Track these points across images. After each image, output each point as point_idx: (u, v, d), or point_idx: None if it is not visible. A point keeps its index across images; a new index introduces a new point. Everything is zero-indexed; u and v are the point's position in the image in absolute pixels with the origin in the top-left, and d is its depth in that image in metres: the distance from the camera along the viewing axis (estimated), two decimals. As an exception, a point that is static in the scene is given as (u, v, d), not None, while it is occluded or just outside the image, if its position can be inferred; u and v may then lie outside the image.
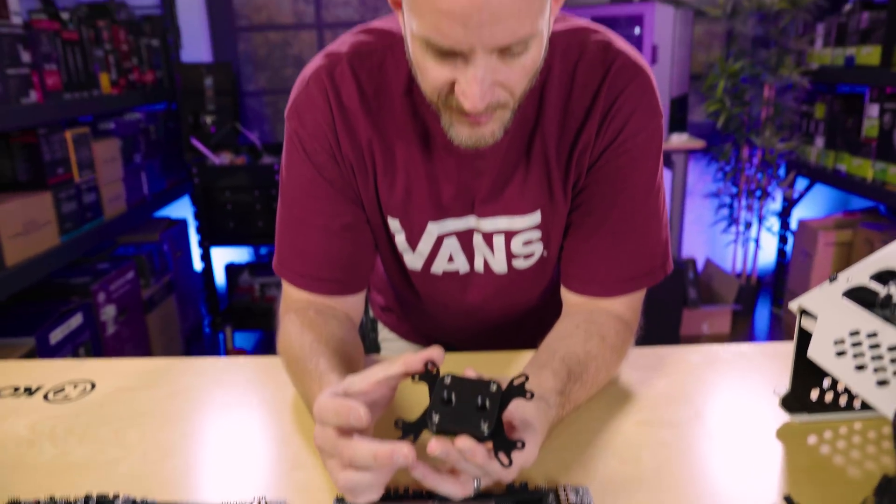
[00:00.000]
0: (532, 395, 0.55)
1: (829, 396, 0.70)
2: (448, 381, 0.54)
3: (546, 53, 0.68)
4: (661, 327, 2.65)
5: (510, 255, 0.86)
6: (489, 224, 0.83)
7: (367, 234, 0.85)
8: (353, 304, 0.86)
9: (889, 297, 0.57)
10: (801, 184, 3.06)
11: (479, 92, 0.62)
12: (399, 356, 0.58)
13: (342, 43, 0.80)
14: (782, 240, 3.14)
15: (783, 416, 0.71)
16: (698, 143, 2.64)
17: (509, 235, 0.84)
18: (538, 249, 0.86)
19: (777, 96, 2.82)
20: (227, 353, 2.72)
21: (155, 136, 2.59)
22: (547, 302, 0.95)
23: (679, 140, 2.64)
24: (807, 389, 0.70)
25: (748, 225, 3.03)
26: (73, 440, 0.71)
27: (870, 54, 2.40)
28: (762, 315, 3.14)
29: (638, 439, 0.69)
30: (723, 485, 0.61)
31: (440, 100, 0.67)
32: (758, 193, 2.97)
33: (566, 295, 0.86)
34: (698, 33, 3.05)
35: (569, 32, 0.78)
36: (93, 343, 2.03)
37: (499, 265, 0.87)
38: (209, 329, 3.08)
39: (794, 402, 0.70)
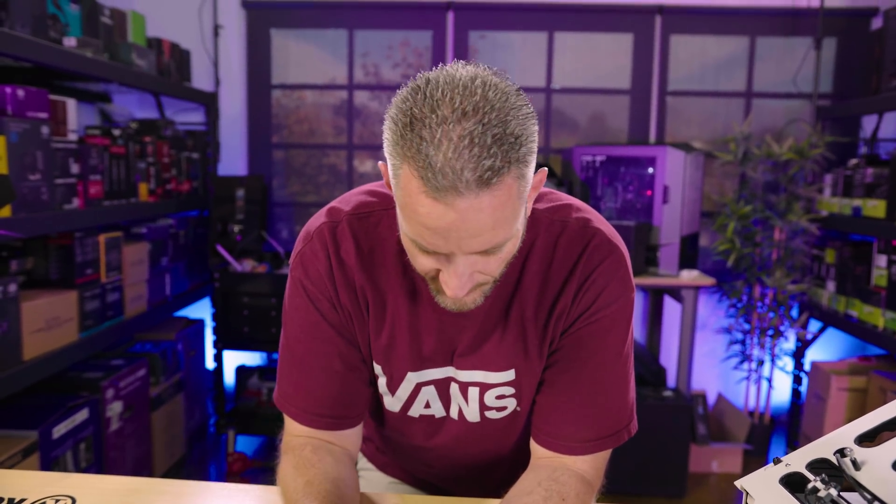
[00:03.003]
0: None
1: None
2: None
3: (524, 232, 0.77)
4: (667, 463, 2.58)
5: (483, 407, 0.91)
6: (466, 375, 0.88)
7: (365, 373, 0.91)
8: (350, 437, 0.92)
9: (815, 489, 0.60)
10: (814, 325, 3.05)
11: (460, 284, 0.71)
12: None
13: (346, 202, 0.89)
14: (796, 380, 3.09)
15: None
16: (708, 281, 2.68)
17: (484, 388, 0.89)
18: (511, 404, 0.91)
19: (788, 239, 2.88)
20: (227, 455, 2.72)
21: (183, 240, 2.74)
22: (518, 451, 0.97)
23: (689, 276, 2.68)
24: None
25: (761, 362, 3.00)
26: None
27: (875, 207, 2.47)
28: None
29: None
30: None
31: (428, 276, 0.76)
32: (770, 332, 2.97)
33: (534, 446, 0.89)
34: (714, 170, 3.17)
35: (553, 209, 0.87)
36: (94, 439, 2.06)
37: (472, 415, 0.91)
38: (213, 429, 3.09)
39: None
